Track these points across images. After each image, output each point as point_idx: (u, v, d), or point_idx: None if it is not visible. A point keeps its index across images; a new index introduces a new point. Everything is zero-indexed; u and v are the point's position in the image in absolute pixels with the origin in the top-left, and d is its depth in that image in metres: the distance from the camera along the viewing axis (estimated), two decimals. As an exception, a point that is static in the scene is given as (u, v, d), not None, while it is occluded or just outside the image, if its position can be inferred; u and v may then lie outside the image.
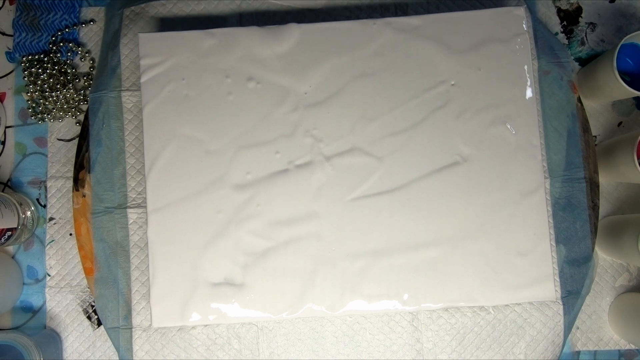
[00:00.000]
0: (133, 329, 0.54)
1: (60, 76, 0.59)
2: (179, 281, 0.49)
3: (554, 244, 0.54)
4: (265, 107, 0.51)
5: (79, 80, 0.59)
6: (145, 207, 0.54)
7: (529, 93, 0.50)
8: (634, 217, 0.53)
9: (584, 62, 0.59)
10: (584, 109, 0.56)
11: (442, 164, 0.50)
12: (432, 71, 0.50)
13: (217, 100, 0.51)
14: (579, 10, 0.59)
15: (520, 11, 0.49)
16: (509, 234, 0.49)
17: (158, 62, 0.51)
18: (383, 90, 0.50)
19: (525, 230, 0.49)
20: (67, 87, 0.58)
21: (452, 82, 0.50)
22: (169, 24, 0.58)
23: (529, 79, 0.50)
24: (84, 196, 0.56)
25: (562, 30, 0.59)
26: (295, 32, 0.50)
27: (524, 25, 0.49)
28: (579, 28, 0.59)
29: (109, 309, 0.54)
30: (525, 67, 0.50)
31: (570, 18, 0.59)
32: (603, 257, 0.57)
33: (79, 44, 0.60)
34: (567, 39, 0.59)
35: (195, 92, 0.51)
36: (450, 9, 0.56)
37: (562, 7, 0.59)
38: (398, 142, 0.50)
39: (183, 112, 0.51)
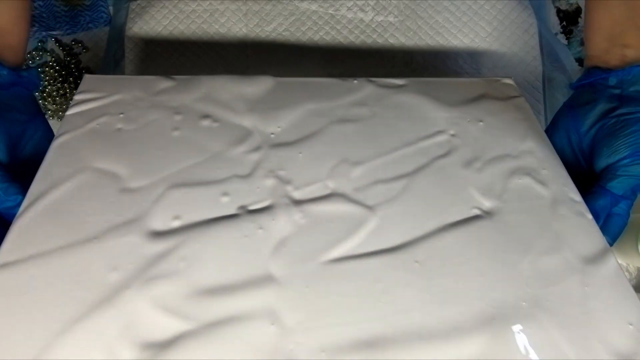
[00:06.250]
0: None
1: (62, 70, 0.59)
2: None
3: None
4: (217, 145, 0.39)
5: (79, 74, 0.59)
6: None
7: (546, 146, 0.40)
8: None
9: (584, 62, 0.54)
10: None
11: (457, 218, 0.35)
12: (424, 122, 0.42)
13: (158, 135, 0.39)
14: (578, 10, 0.59)
15: (509, 80, 0.46)
16: (584, 320, 0.30)
17: (97, 97, 0.41)
18: (368, 136, 0.40)
19: (611, 317, 0.31)
20: (67, 81, 0.59)
21: (452, 132, 0.41)
22: (173, 20, 0.58)
23: (542, 133, 0.42)
24: None
25: (561, 30, 0.58)
26: (268, 82, 0.44)
27: (515, 92, 0.45)
28: (579, 28, 0.58)
29: None
30: (533, 123, 0.42)
31: (569, 18, 0.59)
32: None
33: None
34: (566, 39, 0.58)
35: (131, 127, 0.39)
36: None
37: (561, 8, 0.59)
38: (393, 190, 0.37)
39: (107, 145, 0.38)
